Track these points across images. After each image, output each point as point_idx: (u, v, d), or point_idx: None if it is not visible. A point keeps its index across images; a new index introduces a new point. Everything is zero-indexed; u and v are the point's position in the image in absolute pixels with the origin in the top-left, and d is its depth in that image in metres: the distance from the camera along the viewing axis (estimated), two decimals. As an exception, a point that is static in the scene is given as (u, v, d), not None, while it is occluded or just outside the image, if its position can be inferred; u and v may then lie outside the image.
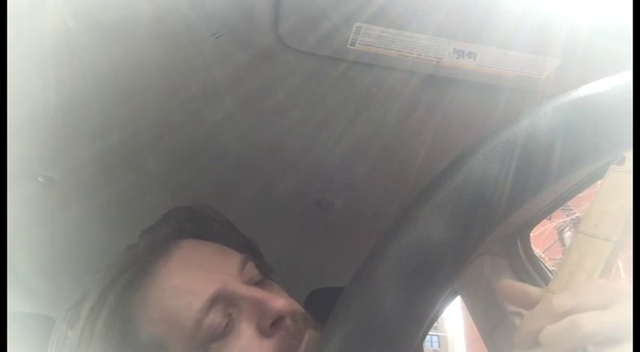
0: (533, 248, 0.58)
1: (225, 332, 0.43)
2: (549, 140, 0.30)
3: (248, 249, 0.52)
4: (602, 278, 0.29)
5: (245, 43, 0.46)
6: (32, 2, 0.42)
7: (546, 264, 0.59)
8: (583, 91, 0.31)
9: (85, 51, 0.46)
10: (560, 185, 0.32)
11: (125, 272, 0.47)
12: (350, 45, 0.45)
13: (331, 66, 0.48)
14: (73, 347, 0.45)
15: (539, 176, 0.30)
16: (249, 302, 0.44)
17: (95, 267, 0.50)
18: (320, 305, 0.44)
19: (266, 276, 0.50)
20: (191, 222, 0.53)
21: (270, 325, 0.43)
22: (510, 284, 0.34)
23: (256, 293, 0.45)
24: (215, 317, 0.43)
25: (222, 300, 0.44)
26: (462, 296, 0.59)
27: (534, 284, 0.51)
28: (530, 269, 0.55)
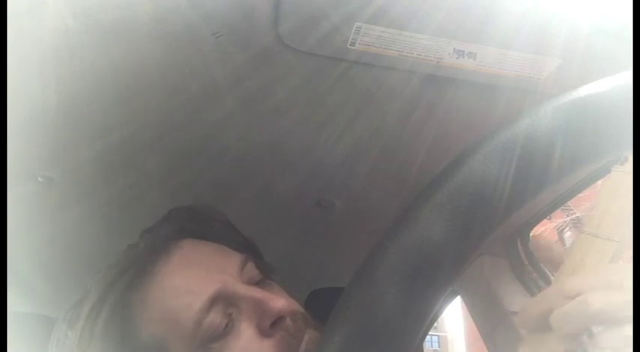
0: (533, 248, 0.58)
1: (225, 332, 0.43)
2: (549, 140, 0.30)
3: (248, 248, 0.52)
4: None
5: (245, 43, 0.46)
6: (32, 2, 0.42)
7: (546, 264, 0.58)
8: (583, 91, 0.31)
9: (85, 51, 0.46)
10: (561, 185, 0.32)
11: (125, 273, 0.47)
12: (350, 45, 0.45)
13: (331, 66, 0.48)
14: (74, 347, 0.45)
15: (540, 176, 0.30)
16: (249, 302, 0.44)
17: (95, 267, 0.50)
18: (320, 305, 0.44)
19: (266, 276, 0.50)
20: (191, 221, 0.53)
21: (270, 325, 0.43)
22: (537, 239, 0.34)
23: (256, 293, 0.45)
24: (215, 317, 0.43)
25: (223, 300, 0.44)
26: (462, 296, 0.59)
27: (534, 284, 0.51)
28: (531, 270, 0.55)
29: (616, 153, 0.31)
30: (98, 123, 0.55)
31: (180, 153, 0.62)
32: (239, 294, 0.44)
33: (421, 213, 0.29)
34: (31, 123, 0.54)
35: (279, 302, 0.44)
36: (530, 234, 0.41)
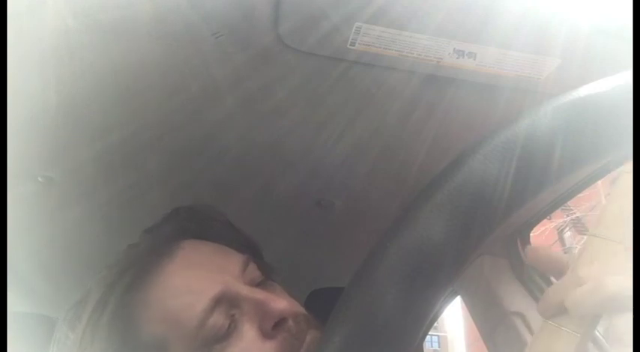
0: (533, 248, 0.58)
1: (227, 333, 0.43)
2: (549, 140, 0.30)
3: (250, 249, 0.52)
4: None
5: (245, 43, 0.46)
6: (32, 2, 0.42)
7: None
8: (583, 91, 0.31)
9: (85, 51, 0.46)
10: (561, 185, 0.32)
11: (126, 273, 0.47)
12: (350, 45, 0.45)
13: (331, 66, 0.48)
14: (75, 348, 0.45)
15: (540, 176, 0.30)
16: (251, 303, 0.44)
17: (95, 267, 0.50)
18: (320, 305, 0.44)
19: (268, 277, 0.50)
20: (193, 222, 0.53)
21: (273, 326, 0.43)
22: (535, 248, 0.34)
23: (258, 294, 0.45)
24: (218, 318, 0.43)
25: (225, 301, 0.43)
26: (462, 296, 0.59)
27: (534, 284, 0.51)
28: (530, 269, 0.55)
29: (616, 153, 0.31)
30: (98, 123, 0.55)
31: (180, 153, 0.62)
32: (241, 295, 0.44)
33: (421, 213, 0.29)
34: (31, 123, 0.54)
35: (281, 303, 0.44)
36: (527, 246, 0.41)
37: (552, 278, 0.42)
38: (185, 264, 0.46)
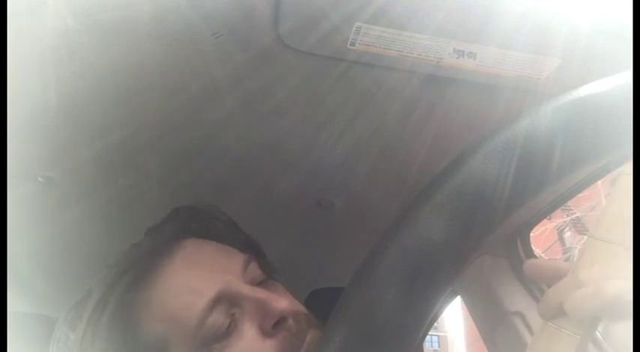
0: (533, 248, 0.58)
1: (227, 333, 0.43)
2: (549, 140, 0.30)
3: (251, 248, 0.52)
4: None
5: (245, 43, 0.46)
6: (32, 2, 0.42)
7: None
8: (583, 91, 0.31)
9: (85, 51, 0.46)
10: (561, 185, 0.32)
11: (128, 272, 0.47)
12: (350, 45, 0.45)
13: (331, 66, 0.48)
14: (75, 348, 0.45)
15: (540, 176, 0.30)
16: (251, 302, 0.44)
17: (95, 267, 0.50)
18: (320, 305, 0.44)
19: (269, 276, 0.50)
20: (194, 221, 0.53)
21: (273, 325, 0.43)
22: (535, 262, 0.34)
23: (259, 293, 0.45)
24: (218, 317, 0.43)
25: (226, 300, 0.44)
26: (462, 296, 0.59)
27: (534, 284, 0.51)
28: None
29: (616, 153, 0.31)
30: (98, 123, 0.55)
31: (181, 153, 0.62)
32: (242, 294, 0.44)
33: (421, 213, 0.29)
34: (31, 123, 0.54)
35: (282, 302, 0.44)
36: (526, 261, 0.41)
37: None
38: (186, 263, 0.47)
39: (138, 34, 0.45)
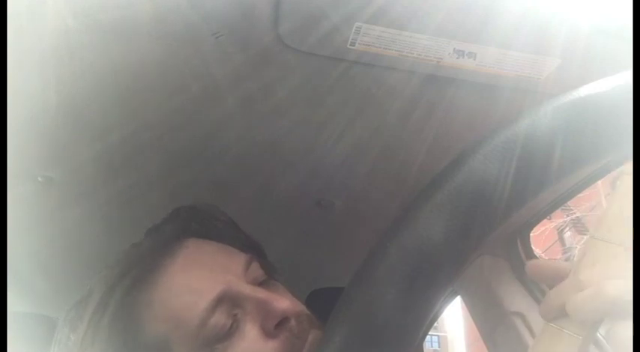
0: (533, 248, 0.58)
1: (229, 333, 0.43)
2: (549, 140, 0.30)
3: (252, 248, 0.52)
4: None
5: (245, 43, 0.46)
6: (32, 2, 0.42)
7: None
8: (583, 91, 0.31)
9: (85, 51, 0.46)
10: (561, 185, 0.32)
11: (129, 272, 0.47)
12: (350, 45, 0.45)
13: (331, 66, 0.48)
14: (76, 347, 0.45)
15: (540, 176, 0.30)
16: (253, 302, 0.44)
17: (95, 267, 0.50)
18: (320, 305, 0.44)
19: (270, 276, 0.50)
20: (196, 221, 0.53)
21: (275, 326, 0.43)
22: (536, 263, 0.34)
23: (261, 293, 0.45)
24: (220, 318, 0.43)
25: (228, 300, 0.43)
26: (462, 296, 0.59)
27: (534, 284, 0.51)
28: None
29: (616, 153, 0.31)
30: (98, 123, 0.55)
31: (181, 153, 0.62)
32: (244, 295, 0.44)
33: (421, 213, 0.29)
34: (31, 123, 0.54)
35: (283, 303, 0.44)
36: (528, 261, 0.41)
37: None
38: (187, 263, 0.46)
39: (138, 34, 0.45)
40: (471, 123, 0.55)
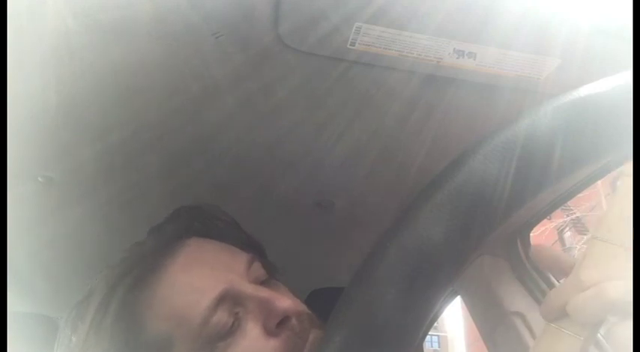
0: (533, 248, 0.58)
1: (231, 331, 0.43)
2: (549, 140, 0.30)
3: (254, 248, 0.53)
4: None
5: (245, 43, 0.46)
6: (32, 2, 0.42)
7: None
8: (583, 91, 0.31)
9: (85, 51, 0.46)
10: (561, 185, 0.32)
11: (131, 271, 0.47)
12: (350, 45, 0.45)
13: (331, 66, 0.48)
14: (78, 348, 0.45)
15: (540, 176, 0.30)
16: (255, 301, 0.44)
17: (95, 267, 0.50)
18: (320, 305, 0.44)
19: (272, 276, 0.50)
20: (198, 220, 0.53)
21: (276, 325, 0.43)
22: (539, 247, 0.34)
23: (263, 292, 0.45)
24: (222, 316, 0.43)
25: (229, 299, 0.44)
26: (462, 296, 0.59)
27: (534, 284, 0.51)
28: (530, 270, 0.55)
29: (616, 153, 0.31)
30: (98, 123, 0.55)
31: (181, 153, 0.62)
32: (246, 294, 0.44)
33: (421, 213, 0.29)
34: (31, 123, 0.54)
35: (285, 302, 0.44)
36: (531, 245, 0.41)
37: (554, 280, 0.42)
38: (189, 262, 0.47)
39: (138, 34, 0.45)
40: (471, 123, 0.55)
